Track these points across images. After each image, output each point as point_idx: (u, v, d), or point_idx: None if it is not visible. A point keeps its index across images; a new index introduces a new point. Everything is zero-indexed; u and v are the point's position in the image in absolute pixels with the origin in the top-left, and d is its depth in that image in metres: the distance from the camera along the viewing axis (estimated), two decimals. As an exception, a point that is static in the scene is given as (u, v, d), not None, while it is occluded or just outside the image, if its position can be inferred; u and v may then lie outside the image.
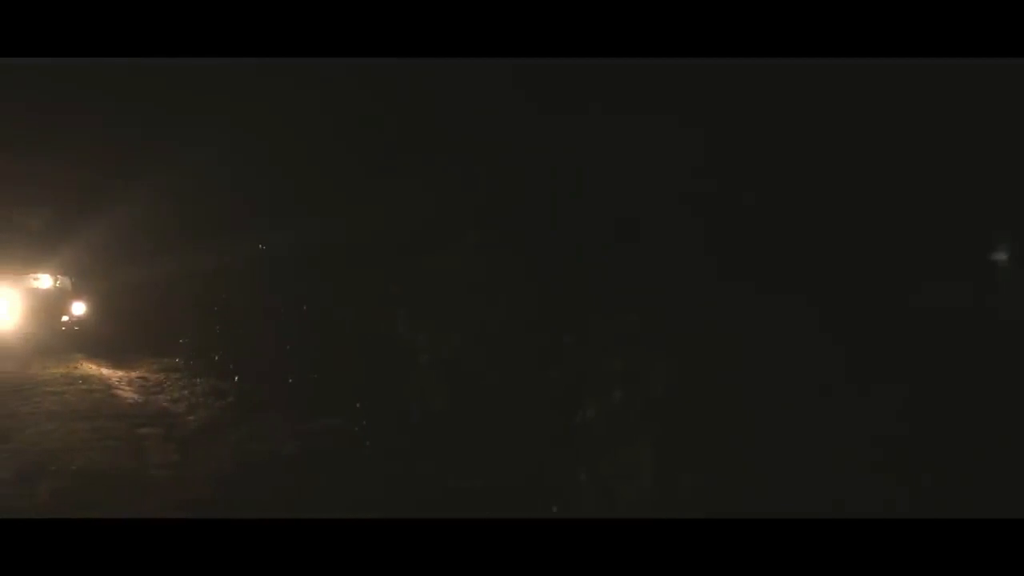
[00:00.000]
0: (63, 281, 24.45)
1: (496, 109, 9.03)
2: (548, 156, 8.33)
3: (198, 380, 14.49)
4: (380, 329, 11.18)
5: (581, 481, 6.76)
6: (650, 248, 7.19)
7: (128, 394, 13.89)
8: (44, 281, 24.26)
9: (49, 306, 23.55)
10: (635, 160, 7.43)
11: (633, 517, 6.31)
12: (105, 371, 17.19)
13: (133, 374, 16.64)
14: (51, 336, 22.79)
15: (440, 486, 7.93)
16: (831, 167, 6.39)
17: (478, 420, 8.75)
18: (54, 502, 7.61)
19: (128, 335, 21.54)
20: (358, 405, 10.79)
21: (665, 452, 6.38)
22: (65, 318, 23.73)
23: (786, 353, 5.99)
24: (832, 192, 6.36)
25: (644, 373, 6.89)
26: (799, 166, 6.50)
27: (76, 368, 17.57)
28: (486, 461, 8.07)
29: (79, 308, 23.91)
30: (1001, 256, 6.30)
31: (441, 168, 9.77)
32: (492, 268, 9.02)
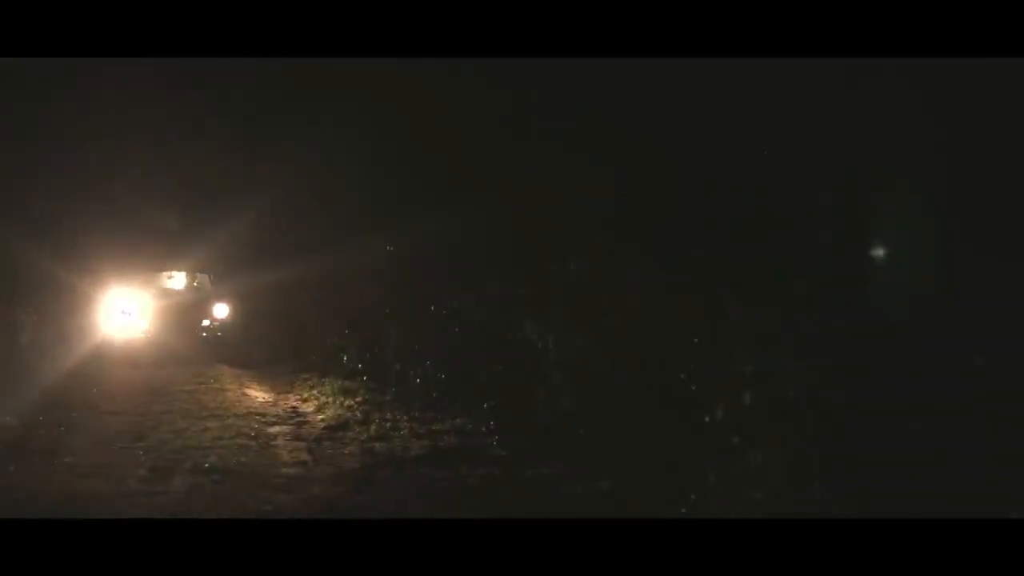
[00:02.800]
0: (201, 280, 22.20)
1: (625, 109, 9.14)
2: (678, 155, 8.42)
3: (326, 380, 14.85)
4: (508, 330, 11.38)
5: (710, 482, 6.82)
6: (781, 248, 7.21)
7: (258, 393, 14.31)
8: (179, 281, 22.09)
9: (186, 309, 21.21)
10: (764, 159, 7.48)
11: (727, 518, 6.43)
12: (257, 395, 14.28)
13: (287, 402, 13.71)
14: (188, 344, 20.16)
15: (567, 488, 8.07)
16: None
17: (605, 421, 8.86)
18: (188, 499, 7.90)
19: (270, 340, 19.97)
20: (485, 406, 11.00)
21: (795, 454, 6.41)
22: (205, 322, 21.28)
23: (922, 353, 5.97)
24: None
25: (774, 374, 6.92)
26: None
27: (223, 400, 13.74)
28: (613, 463, 8.17)
29: (221, 311, 21.41)
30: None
31: (571, 169, 9.91)
32: (621, 269, 9.12)
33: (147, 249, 22.17)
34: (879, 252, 6.79)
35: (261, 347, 19.73)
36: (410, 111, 12.94)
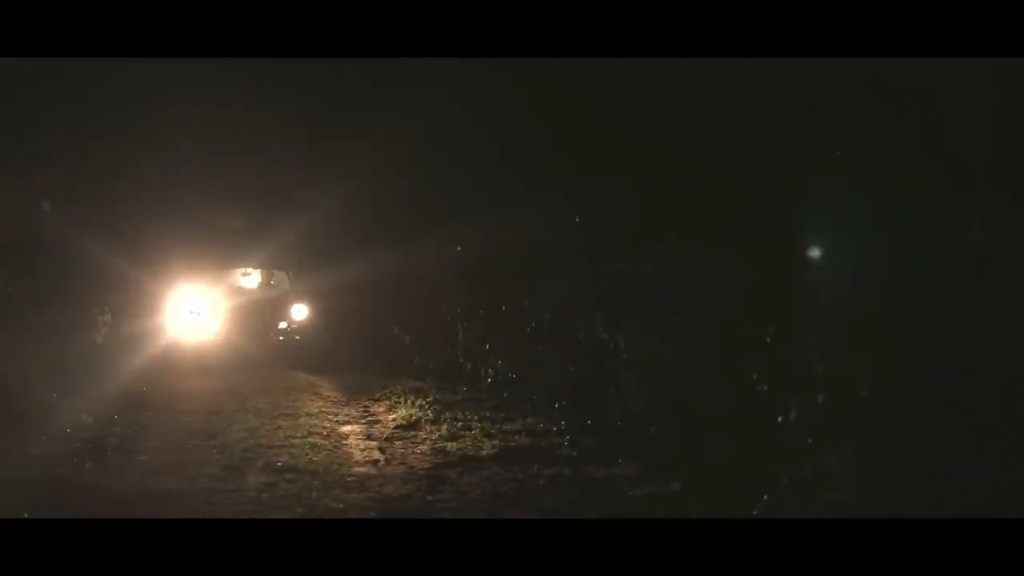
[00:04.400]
0: (279, 278, 20.67)
1: (698, 109, 9.21)
2: (750, 154, 8.46)
3: (398, 379, 15.00)
4: (580, 330, 11.46)
5: (782, 483, 6.86)
6: (852, 247, 7.24)
7: (329, 392, 14.48)
8: (254, 279, 20.64)
9: (261, 310, 19.60)
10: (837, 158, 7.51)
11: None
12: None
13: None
14: (264, 348, 18.73)
15: (638, 488, 8.14)
16: None
17: (676, 422, 8.92)
18: (260, 497, 8.08)
19: (347, 344, 18.77)
20: (556, 406, 11.10)
21: (868, 455, 6.44)
22: (282, 324, 19.60)
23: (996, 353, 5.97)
24: None
25: (847, 374, 6.95)
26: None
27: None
28: (684, 463, 8.23)
29: (300, 312, 19.70)
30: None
31: (643, 169, 9.97)
32: (692, 268, 9.17)
33: (219, 247, 21.03)
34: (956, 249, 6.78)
35: (339, 351, 18.37)
36: (481, 112, 13.08)
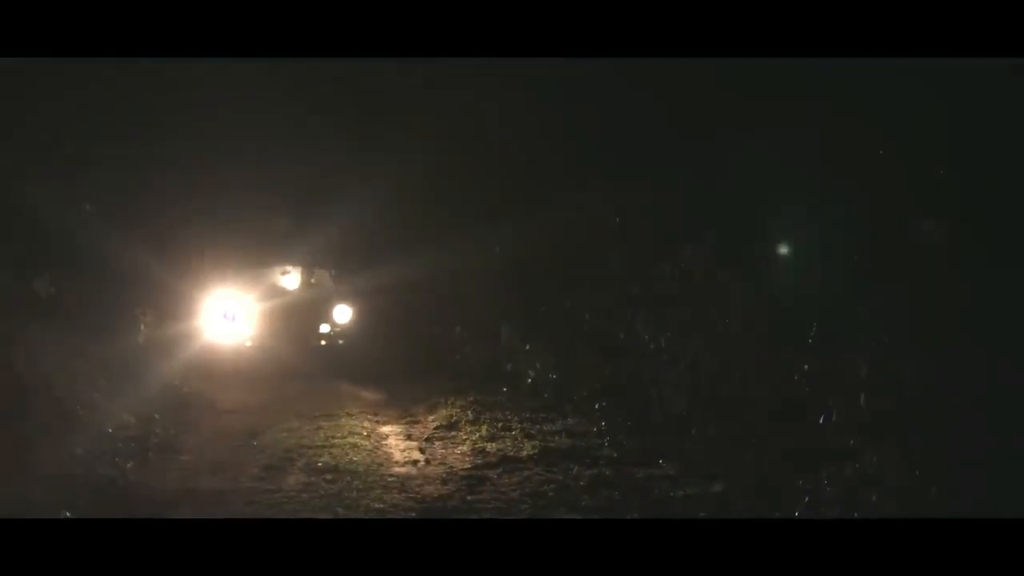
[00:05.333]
0: (320, 277, 18.72)
1: (738, 110, 9.24)
2: (790, 155, 8.48)
3: (439, 380, 15.06)
4: (620, 330, 11.50)
5: (824, 483, 6.87)
6: (897, 248, 7.25)
7: (370, 395, 14.54)
8: (294, 278, 18.45)
9: (301, 311, 17.68)
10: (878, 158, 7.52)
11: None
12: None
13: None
14: (304, 355, 16.88)
15: (679, 489, 8.17)
16: None
17: (717, 422, 8.93)
18: (301, 497, 8.19)
19: (393, 348, 17.08)
20: (597, 406, 11.13)
21: (910, 455, 6.44)
22: (325, 328, 17.81)
23: None
24: None
25: (891, 376, 6.95)
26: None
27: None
28: (726, 464, 8.25)
29: (343, 314, 17.89)
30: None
31: (682, 168, 10.01)
32: (733, 268, 9.19)
33: (255, 245, 18.47)
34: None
35: (386, 358, 16.77)
36: (524, 111, 13.15)
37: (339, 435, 10.96)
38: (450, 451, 10.29)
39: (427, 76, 14.35)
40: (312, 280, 18.44)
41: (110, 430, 9.86)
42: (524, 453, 9.95)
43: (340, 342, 17.75)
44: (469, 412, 12.30)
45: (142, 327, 13.35)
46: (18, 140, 12.40)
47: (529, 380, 13.52)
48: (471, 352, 15.84)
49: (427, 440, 10.88)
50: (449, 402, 13.06)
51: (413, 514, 7.72)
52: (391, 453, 10.19)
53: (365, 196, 17.26)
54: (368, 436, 11.04)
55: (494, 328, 15.30)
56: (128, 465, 9.02)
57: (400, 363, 16.44)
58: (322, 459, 9.63)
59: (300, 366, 16.13)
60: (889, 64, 6.91)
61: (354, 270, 18.57)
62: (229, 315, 17.26)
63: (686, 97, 9.99)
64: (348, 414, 12.41)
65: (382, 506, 7.95)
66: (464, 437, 10.94)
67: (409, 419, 12.29)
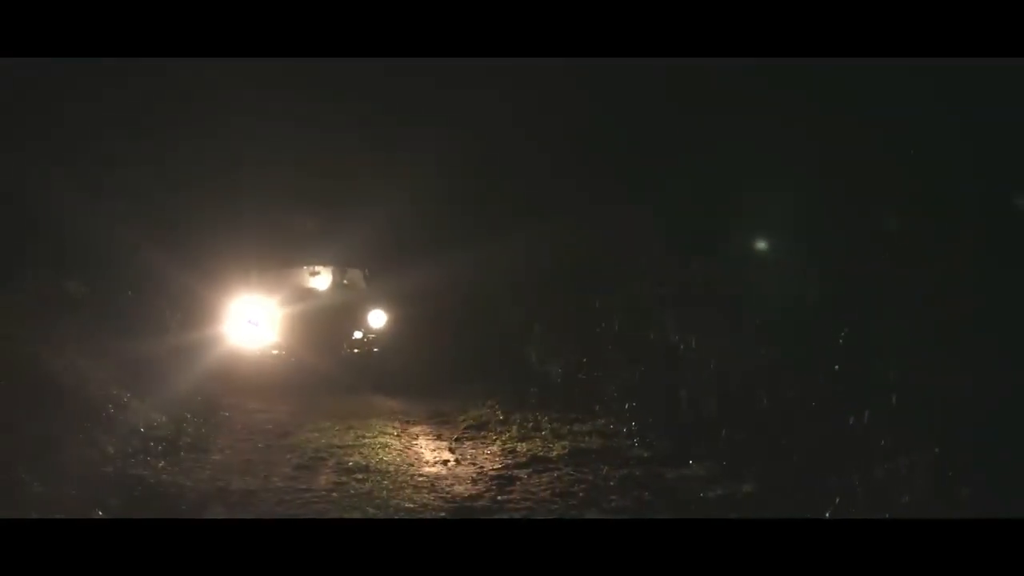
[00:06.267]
0: (353, 277, 17.32)
1: (772, 110, 9.26)
2: (823, 154, 8.50)
3: (468, 379, 15.11)
4: (650, 330, 11.52)
5: (854, 485, 6.88)
6: (927, 250, 7.25)
7: (400, 398, 14.58)
8: (324, 279, 17.05)
9: (332, 316, 16.18)
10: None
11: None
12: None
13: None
14: (335, 364, 15.64)
15: (710, 490, 8.19)
16: None
17: (748, 423, 8.94)
18: (331, 496, 8.25)
19: (427, 354, 16.10)
20: (627, 407, 11.16)
21: (940, 457, 6.45)
22: (357, 334, 16.38)
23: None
24: None
25: (923, 376, 6.95)
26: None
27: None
28: (757, 465, 8.26)
29: (378, 319, 16.46)
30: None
31: (712, 169, 10.03)
32: (763, 269, 9.20)
33: (281, 245, 17.34)
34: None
35: (416, 360, 15.93)
36: (551, 110, 13.19)
37: (369, 435, 11.05)
38: (480, 451, 10.35)
39: (463, 73, 14.34)
40: (344, 281, 17.03)
41: (141, 429, 9.97)
42: (554, 453, 9.99)
43: (375, 350, 16.35)
44: (499, 412, 12.36)
45: (171, 328, 13.41)
46: (54, 140, 12.57)
47: (559, 380, 13.54)
48: (501, 352, 15.83)
49: (457, 440, 10.96)
50: (479, 402, 13.11)
51: (443, 514, 7.77)
52: (421, 453, 10.26)
53: (394, 196, 17.19)
54: (398, 436, 11.12)
55: (524, 328, 15.31)
56: (159, 464, 9.11)
57: (429, 364, 15.90)
58: (352, 459, 9.70)
59: (331, 375, 15.17)
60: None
61: (386, 271, 17.36)
62: (254, 320, 15.82)
63: (717, 96, 10.00)
64: (378, 414, 12.46)
65: (412, 506, 8.00)
66: (494, 437, 11.02)
67: (439, 419, 12.35)
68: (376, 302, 16.58)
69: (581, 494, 8.34)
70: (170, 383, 11.82)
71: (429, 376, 15.35)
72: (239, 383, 14.26)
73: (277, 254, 16.90)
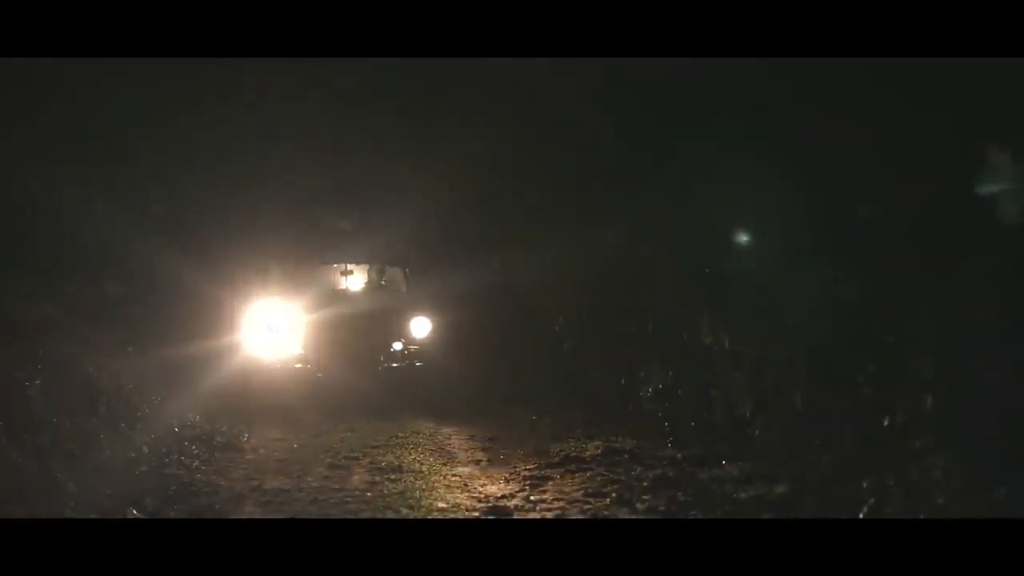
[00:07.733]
0: (393, 276, 15.22)
1: (805, 109, 9.26)
2: (857, 151, 8.50)
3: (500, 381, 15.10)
4: (684, 331, 11.54)
5: (888, 486, 6.88)
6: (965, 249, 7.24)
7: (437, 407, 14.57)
8: (358, 278, 15.00)
9: (368, 324, 13.97)
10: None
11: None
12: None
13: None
14: (372, 382, 13.65)
15: (743, 491, 8.19)
16: None
17: (782, 424, 8.95)
18: (364, 495, 8.32)
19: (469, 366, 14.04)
20: (661, 408, 11.18)
21: (976, 458, 6.44)
22: (397, 345, 14.20)
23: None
24: None
25: (958, 377, 6.94)
26: None
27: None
28: (790, 466, 8.26)
29: (421, 327, 14.31)
30: None
31: (744, 168, 10.03)
32: (797, 268, 9.20)
33: (308, 239, 15.89)
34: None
35: (466, 380, 13.88)
36: (578, 113, 13.22)
37: (402, 434, 11.12)
38: (513, 451, 10.39)
39: (509, 73, 14.30)
40: (383, 281, 14.95)
41: (176, 429, 10.08)
42: (587, 454, 10.01)
43: (418, 364, 14.20)
44: (532, 412, 12.38)
45: (200, 334, 13.35)
46: (90, 143, 12.71)
47: (592, 381, 13.55)
48: (534, 352, 15.82)
49: (490, 440, 11.00)
50: (512, 402, 13.13)
51: (476, 513, 7.80)
52: (454, 453, 10.32)
53: (433, 196, 16.82)
54: (431, 436, 11.18)
55: (557, 330, 15.31)
56: (194, 464, 9.22)
57: (464, 367, 14.14)
58: (386, 459, 9.77)
59: (367, 393, 13.33)
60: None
61: (430, 270, 15.67)
62: (273, 328, 13.82)
63: (741, 96, 10.01)
64: (411, 414, 12.52)
65: (445, 505, 8.04)
66: (527, 437, 11.04)
67: (471, 420, 12.45)
68: (419, 307, 14.51)
69: (614, 494, 8.33)
70: (209, 379, 11.93)
71: (457, 372, 13.89)
72: (277, 377, 13.56)
73: (304, 249, 15.35)
